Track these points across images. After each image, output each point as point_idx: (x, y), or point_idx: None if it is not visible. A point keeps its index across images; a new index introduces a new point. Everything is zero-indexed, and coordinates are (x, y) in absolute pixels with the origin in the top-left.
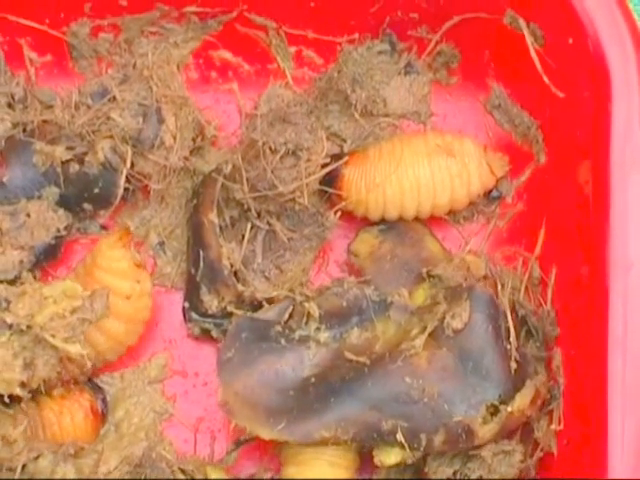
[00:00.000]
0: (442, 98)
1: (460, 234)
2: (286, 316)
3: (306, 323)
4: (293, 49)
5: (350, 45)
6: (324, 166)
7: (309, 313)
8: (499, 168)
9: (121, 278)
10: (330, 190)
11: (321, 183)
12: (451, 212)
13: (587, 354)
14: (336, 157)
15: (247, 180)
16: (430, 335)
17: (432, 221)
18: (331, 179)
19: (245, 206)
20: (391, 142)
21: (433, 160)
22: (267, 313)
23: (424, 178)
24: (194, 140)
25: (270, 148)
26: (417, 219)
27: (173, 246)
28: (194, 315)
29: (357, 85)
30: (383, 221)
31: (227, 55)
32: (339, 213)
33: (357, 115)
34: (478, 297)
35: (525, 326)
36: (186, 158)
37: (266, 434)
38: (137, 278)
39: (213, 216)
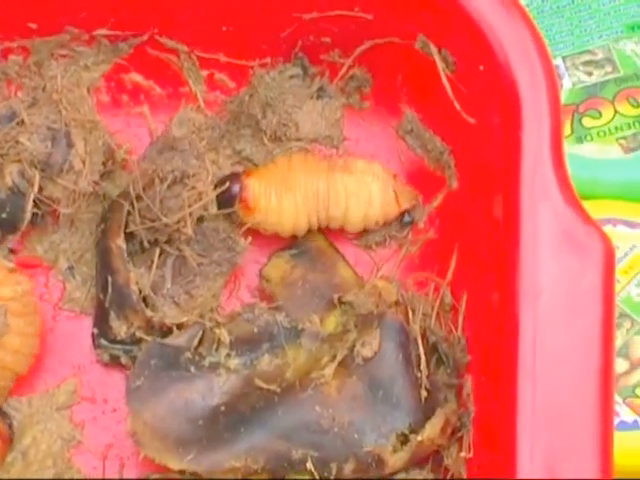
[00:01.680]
0: (355, 123)
1: (372, 259)
2: (196, 342)
3: (216, 349)
4: (205, 72)
5: (262, 69)
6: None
7: (219, 339)
8: (405, 199)
9: (1, 286)
10: (228, 208)
11: (221, 206)
12: (344, 230)
13: (497, 381)
14: (232, 176)
15: (139, 211)
16: (340, 363)
17: (344, 246)
18: (232, 196)
19: (139, 237)
20: (302, 154)
21: (330, 174)
22: (177, 339)
23: (322, 189)
24: (104, 164)
25: (159, 176)
26: (327, 241)
27: (82, 271)
28: (103, 341)
29: (269, 109)
30: (294, 238)
31: (138, 78)
32: (250, 238)
33: (266, 140)
34: (388, 325)
35: (436, 353)
36: (96, 182)
37: (175, 464)
38: (15, 281)
39: (120, 241)
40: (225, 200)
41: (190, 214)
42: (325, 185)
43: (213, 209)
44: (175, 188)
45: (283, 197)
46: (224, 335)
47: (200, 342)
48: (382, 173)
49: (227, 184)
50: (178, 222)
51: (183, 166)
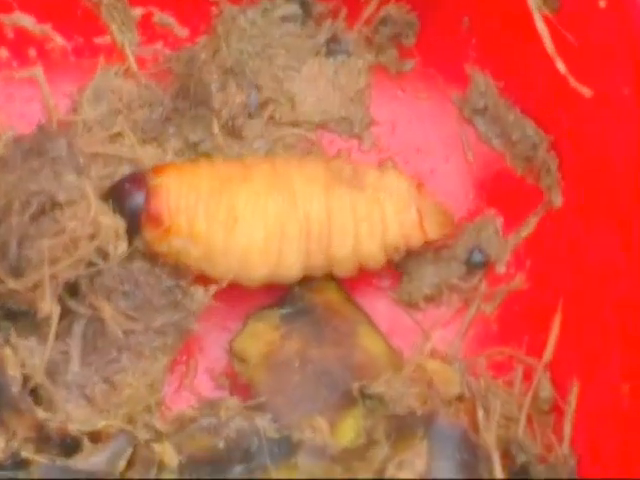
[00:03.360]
0: (389, 95)
1: (418, 324)
2: (121, 465)
3: (157, 477)
4: (138, 11)
5: (234, 6)
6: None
7: (162, 461)
8: (434, 225)
9: None
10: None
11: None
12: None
13: None
14: (129, 179)
15: None
16: None
17: (371, 300)
18: (133, 211)
19: None
20: (270, 162)
21: (332, 192)
22: (90, 459)
23: (316, 219)
24: None
25: (20, 200)
26: (341, 292)
27: None
28: None
29: (231, 77)
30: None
31: (27, 21)
32: (213, 287)
33: (216, 129)
34: (442, 434)
35: None
36: None
37: None
38: None
39: None
40: (127, 220)
41: (55, 278)
42: (323, 210)
43: (119, 248)
44: (43, 221)
45: (246, 224)
46: (170, 453)
47: (130, 464)
48: (399, 185)
49: (124, 190)
50: (35, 288)
51: (52, 186)
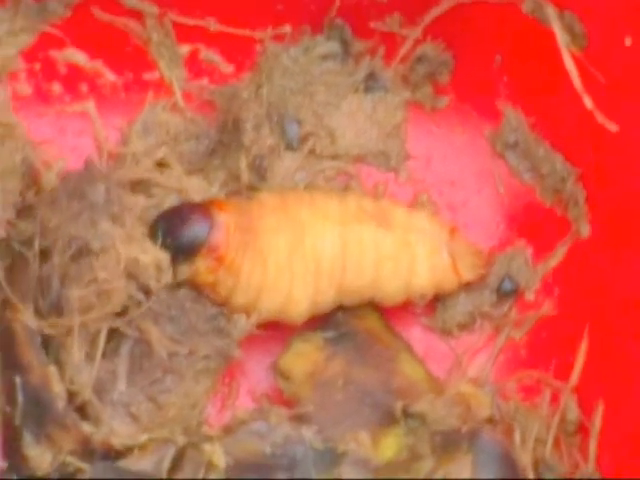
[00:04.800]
0: (425, 130)
1: (452, 351)
2: (166, 465)
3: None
4: (186, 49)
5: (277, 44)
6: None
7: (211, 462)
8: (467, 267)
9: None
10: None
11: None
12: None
13: None
14: (191, 209)
15: (40, 285)
16: None
17: (408, 328)
18: (195, 243)
19: None
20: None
21: (349, 228)
22: (139, 462)
23: (329, 256)
24: (23, 194)
25: (63, 242)
26: (381, 321)
27: None
28: None
29: (274, 111)
30: (328, 314)
31: (79, 57)
32: (257, 316)
33: (243, 166)
34: (485, 449)
35: None
36: (10, 223)
37: None
38: None
39: (29, 316)
40: (184, 249)
41: (85, 326)
42: (338, 246)
43: (162, 280)
44: (81, 264)
45: (250, 260)
46: (218, 455)
47: (178, 465)
48: (431, 228)
49: (187, 217)
50: (67, 333)
51: (88, 233)
